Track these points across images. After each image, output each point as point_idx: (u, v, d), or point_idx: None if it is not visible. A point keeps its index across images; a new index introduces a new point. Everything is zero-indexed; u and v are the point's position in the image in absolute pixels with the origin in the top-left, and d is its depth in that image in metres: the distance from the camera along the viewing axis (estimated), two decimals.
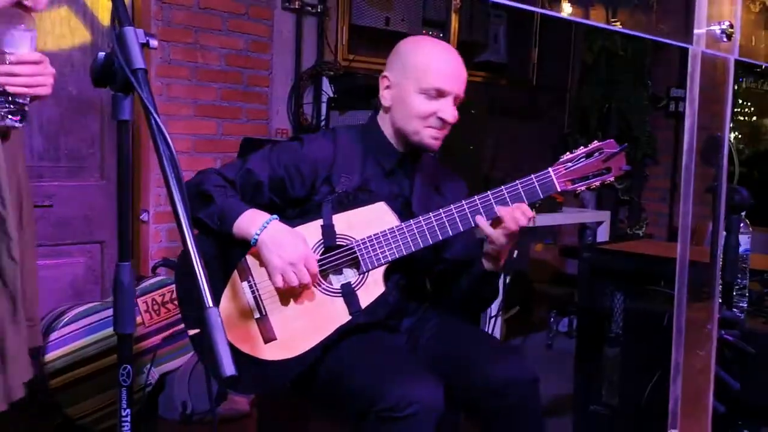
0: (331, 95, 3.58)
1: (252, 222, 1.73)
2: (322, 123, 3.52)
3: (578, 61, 5.00)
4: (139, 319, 2.85)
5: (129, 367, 1.14)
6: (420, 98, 1.80)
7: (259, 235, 1.71)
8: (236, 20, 3.36)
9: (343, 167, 1.85)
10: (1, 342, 1.49)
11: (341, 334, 1.75)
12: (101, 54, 1.11)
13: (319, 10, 3.63)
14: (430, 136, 1.83)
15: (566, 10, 5.23)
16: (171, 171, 1.05)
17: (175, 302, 2.99)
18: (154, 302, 2.92)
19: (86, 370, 2.67)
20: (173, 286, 2.97)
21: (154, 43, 1.12)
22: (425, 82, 1.79)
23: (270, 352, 1.74)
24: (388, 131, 1.89)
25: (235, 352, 1.65)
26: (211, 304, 1.00)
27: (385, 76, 1.86)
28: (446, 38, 4.36)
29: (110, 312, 2.81)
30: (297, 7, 3.53)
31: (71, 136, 2.98)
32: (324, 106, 3.56)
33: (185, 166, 3.23)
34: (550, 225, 3.45)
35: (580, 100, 4.91)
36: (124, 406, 1.14)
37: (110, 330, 2.83)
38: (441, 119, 1.81)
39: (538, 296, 4.69)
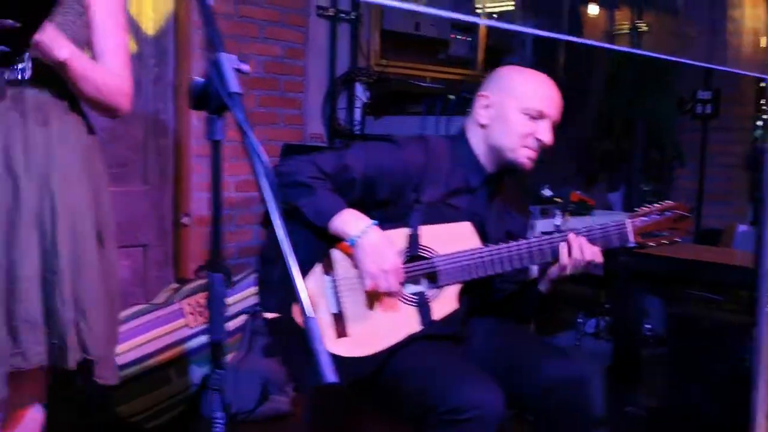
0: (366, 100, 3.65)
1: (351, 223, 1.80)
2: (357, 128, 3.59)
3: (604, 64, 5.04)
4: (183, 322, 2.93)
5: (221, 372, 1.21)
6: (522, 117, 1.88)
7: (358, 238, 1.79)
8: (272, 28, 3.42)
9: (431, 177, 1.91)
10: None
11: (410, 341, 1.82)
12: (198, 79, 1.17)
13: (352, 17, 3.69)
14: (525, 155, 1.90)
15: (592, 11, 5.28)
16: (268, 187, 1.12)
17: None
18: (198, 304, 2.99)
19: (135, 371, 2.76)
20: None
21: (246, 67, 1.18)
22: (529, 102, 1.87)
23: (340, 348, 1.80)
24: (479, 149, 1.95)
25: (305, 340, 1.78)
26: (311, 314, 1.07)
27: (485, 95, 1.93)
28: (474, 43, 4.43)
29: (157, 314, 2.91)
30: (331, 14, 3.60)
31: (117, 143, 3.06)
32: (358, 111, 3.62)
33: (226, 169, 3.32)
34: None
35: (606, 103, 4.95)
36: (219, 410, 1.20)
37: (157, 331, 2.93)
38: (538, 140, 1.88)
39: (563, 296, 4.74)
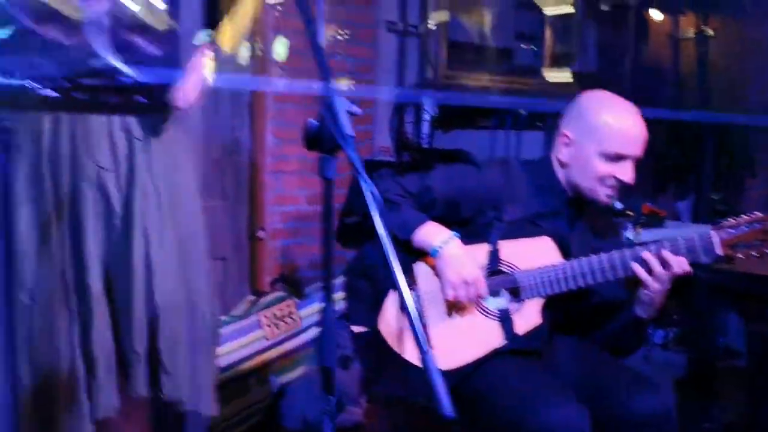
0: (433, 113, 3.68)
1: (434, 234, 1.86)
2: (425, 141, 3.63)
3: (674, 71, 4.97)
4: (260, 333, 3.02)
5: (335, 398, 1.26)
6: (600, 161, 1.88)
7: (441, 248, 1.84)
8: (342, 43, 3.49)
9: (512, 198, 1.95)
10: None
11: (493, 356, 1.85)
12: (313, 121, 1.23)
13: (420, 31, 3.73)
14: (605, 194, 1.92)
15: (655, 17, 5.21)
16: (381, 221, 1.18)
17: (293, 316, 3.16)
18: (274, 316, 3.08)
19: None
20: (290, 300, 3.15)
21: (357, 110, 1.24)
22: (608, 146, 1.87)
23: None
24: (561, 176, 1.98)
25: (390, 352, 1.84)
26: (428, 349, 1.11)
27: (566, 134, 1.94)
28: (540, 51, 4.43)
29: (236, 326, 3.00)
30: (400, 29, 3.65)
31: (197, 160, 3.17)
32: (426, 125, 3.66)
33: (298, 184, 3.41)
34: (653, 240, 3.46)
35: (674, 112, 4.87)
36: (330, 429, 1.26)
37: (236, 342, 3.02)
38: (619, 180, 1.89)
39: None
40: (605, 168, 1.88)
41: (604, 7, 4.78)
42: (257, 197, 3.33)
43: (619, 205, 3.50)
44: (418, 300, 1.91)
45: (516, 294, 1.90)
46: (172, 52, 1.43)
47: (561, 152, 1.95)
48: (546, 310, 1.90)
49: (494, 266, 1.90)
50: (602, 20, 4.78)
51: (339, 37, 3.44)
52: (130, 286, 1.63)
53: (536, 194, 1.97)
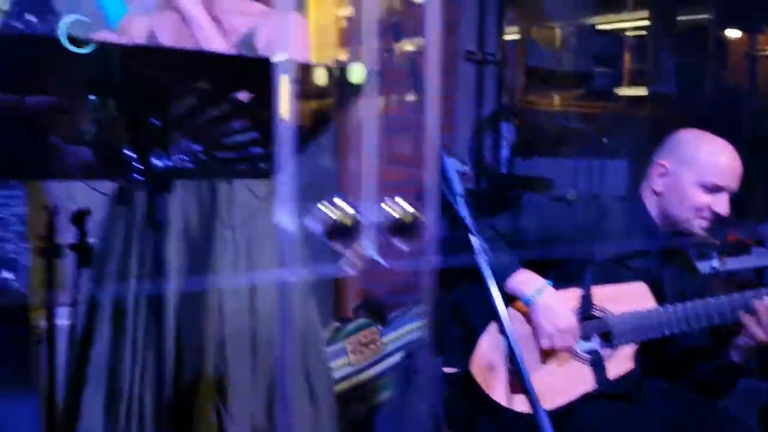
0: (512, 139, 3.71)
1: (527, 283, 1.89)
2: (504, 168, 3.65)
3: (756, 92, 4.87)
4: (345, 360, 3.09)
5: None
6: (698, 191, 1.91)
7: (535, 298, 1.87)
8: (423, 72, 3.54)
9: (603, 237, 1.97)
10: None
11: (584, 399, 1.87)
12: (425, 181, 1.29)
13: (498, 59, 3.77)
14: (700, 225, 1.94)
15: (733, 34, 5.11)
16: (488, 273, 1.23)
17: (376, 342, 3.22)
18: (359, 343, 3.15)
19: None
20: (374, 327, 3.21)
21: (466, 169, 1.29)
22: (706, 177, 1.91)
23: (517, 404, 1.87)
24: (653, 211, 2.00)
25: (481, 395, 1.87)
26: (541, 406, 1.15)
27: (662, 164, 1.98)
28: (618, 73, 4.42)
29: None
30: (479, 58, 3.69)
31: None
32: (505, 151, 3.69)
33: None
34: (742, 268, 3.40)
35: (757, 130, 4.77)
36: None
37: None
38: (714, 212, 1.91)
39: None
40: (702, 198, 1.91)
41: (681, 28, 4.73)
42: None
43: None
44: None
45: (608, 339, 1.92)
46: None
47: (656, 182, 1.98)
48: (639, 354, 1.92)
49: (587, 311, 1.92)
50: (679, 41, 4.72)
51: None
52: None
53: (628, 233, 1.99)
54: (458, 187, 1.26)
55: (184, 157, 1.03)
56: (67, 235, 1.98)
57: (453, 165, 1.28)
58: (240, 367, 1.69)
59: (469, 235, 1.26)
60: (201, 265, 1.57)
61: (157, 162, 0.97)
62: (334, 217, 1.07)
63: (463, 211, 1.25)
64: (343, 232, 1.07)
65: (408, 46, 1.42)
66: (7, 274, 1.39)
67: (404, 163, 3.34)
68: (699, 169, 1.91)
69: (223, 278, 1.59)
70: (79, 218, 1.95)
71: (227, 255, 1.60)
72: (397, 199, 1.16)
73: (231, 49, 1.68)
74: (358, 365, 3.10)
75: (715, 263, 3.18)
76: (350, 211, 1.09)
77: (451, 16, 3.64)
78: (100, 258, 1.66)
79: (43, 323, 1.67)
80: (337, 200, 1.09)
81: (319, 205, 1.09)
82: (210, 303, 1.60)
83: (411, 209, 1.13)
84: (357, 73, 1.80)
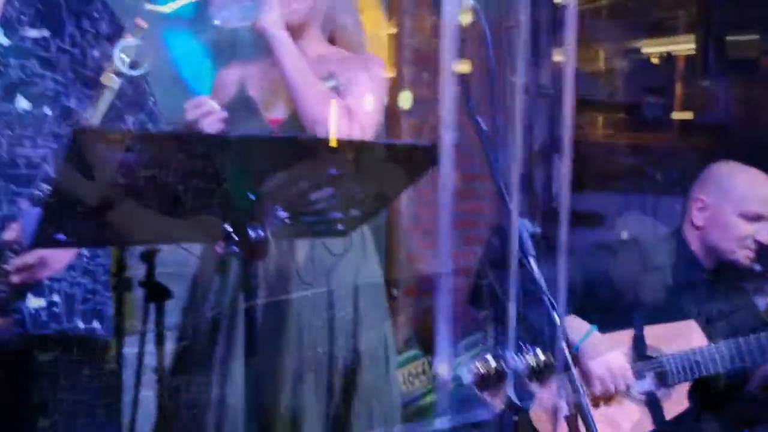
0: (563, 171, 3.72)
1: (573, 329, 1.92)
2: (555, 203, 3.67)
3: None
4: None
5: None
6: (739, 221, 1.95)
7: (581, 343, 1.90)
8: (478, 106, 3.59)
9: (650, 279, 2.01)
10: None
11: None
12: (495, 240, 1.33)
13: (551, 92, 3.79)
14: (744, 255, 1.97)
15: None
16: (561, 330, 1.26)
17: (427, 374, 3.25)
18: (409, 374, 3.19)
19: None
20: (424, 358, 3.25)
21: (537, 230, 1.33)
22: (747, 206, 1.95)
23: None
24: (695, 246, 2.03)
25: None
26: None
27: (701, 199, 2.02)
28: (669, 105, 4.39)
29: None
30: (532, 91, 3.73)
31: None
32: (555, 185, 3.70)
33: (430, 243, 3.52)
34: None
35: None
36: None
37: None
38: (758, 241, 1.94)
39: None
40: (745, 229, 1.94)
41: (731, 57, 4.69)
42: (391, 256, 3.46)
43: (758, 267, 3.44)
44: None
45: (662, 378, 1.93)
46: None
47: (696, 217, 2.01)
48: (694, 392, 1.92)
49: (641, 352, 1.94)
50: (730, 71, 4.69)
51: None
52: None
53: (673, 271, 2.02)
54: (531, 248, 1.30)
55: (273, 223, 1.09)
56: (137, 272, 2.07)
57: (525, 226, 1.32)
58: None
59: (542, 295, 1.29)
60: (282, 319, 1.63)
61: (252, 233, 1.03)
62: (484, 370, 1.14)
63: (536, 272, 1.29)
64: (491, 382, 1.13)
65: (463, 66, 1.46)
66: (96, 324, 1.47)
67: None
68: (739, 200, 1.95)
69: (302, 326, 1.66)
70: (149, 256, 2.03)
71: (306, 309, 1.66)
72: (538, 350, 1.23)
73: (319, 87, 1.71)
74: (409, 396, 3.14)
75: None
76: (496, 362, 1.16)
77: (502, 49, 3.68)
78: (190, 311, 1.73)
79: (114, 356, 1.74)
80: (488, 356, 1.16)
81: (476, 362, 1.17)
82: (289, 352, 1.67)
83: (546, 356, 1.19)
84: (405, 99, 1.86)
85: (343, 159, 1.08)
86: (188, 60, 2.72)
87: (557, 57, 3.70)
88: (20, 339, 1.36)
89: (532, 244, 1.32)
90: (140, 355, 2.06)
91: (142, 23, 1.20)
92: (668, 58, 4.53)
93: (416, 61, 3.52)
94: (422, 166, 1.20)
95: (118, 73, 1.18)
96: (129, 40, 1.21)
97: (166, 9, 2.91)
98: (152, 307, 2.00)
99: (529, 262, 1.29)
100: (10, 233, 1.26)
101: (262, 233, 1.03)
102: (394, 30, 3.52)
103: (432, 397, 3.23)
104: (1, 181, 1.32)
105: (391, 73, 3.43)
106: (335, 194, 1.14)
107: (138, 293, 2.06)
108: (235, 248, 1.02)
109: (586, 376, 1.91)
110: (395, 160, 1.22)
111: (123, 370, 1.83)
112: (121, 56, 1.18)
